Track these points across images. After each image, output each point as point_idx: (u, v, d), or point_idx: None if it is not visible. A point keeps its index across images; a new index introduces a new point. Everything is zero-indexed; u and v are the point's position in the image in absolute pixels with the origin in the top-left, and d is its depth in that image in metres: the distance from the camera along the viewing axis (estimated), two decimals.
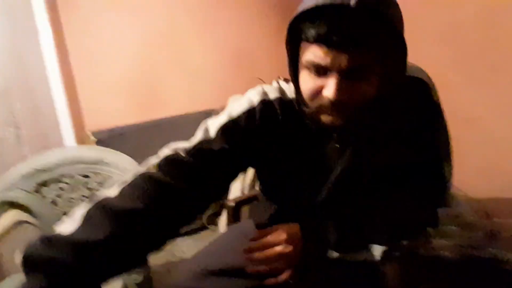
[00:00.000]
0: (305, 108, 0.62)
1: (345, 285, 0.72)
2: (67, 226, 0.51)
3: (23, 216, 1.12)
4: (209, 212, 2.09)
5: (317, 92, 0.58)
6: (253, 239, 0.71)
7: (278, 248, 0.66)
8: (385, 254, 0.73)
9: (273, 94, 0.70)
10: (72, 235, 0.49)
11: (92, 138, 1.76)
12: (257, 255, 0.68)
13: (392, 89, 0.60)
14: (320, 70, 0.56)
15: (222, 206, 2.05)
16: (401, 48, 0.56)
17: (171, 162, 0.61)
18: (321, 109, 0.59)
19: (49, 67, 1.59)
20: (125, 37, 1.89)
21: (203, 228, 2.07)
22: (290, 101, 0.69)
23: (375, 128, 0.65)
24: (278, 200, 0.80)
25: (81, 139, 1.74)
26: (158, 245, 0.60)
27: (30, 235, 1.17)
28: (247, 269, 0.71)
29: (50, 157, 1.19)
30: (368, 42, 0.53)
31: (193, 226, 2.05)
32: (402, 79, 0.60)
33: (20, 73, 1.44)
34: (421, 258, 0.76)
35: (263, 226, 0.74)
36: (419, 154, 0.67)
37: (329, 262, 0.71)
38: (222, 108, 2.49)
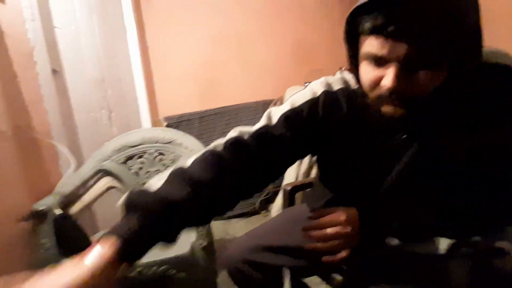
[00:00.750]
0: (366, 99, 0.61)
1: (403, 274, 0.69)
2: (157, 182, 0.61)
3: (114, 182, 1.34)
4: (261, 197, 2.17)
5: (376, 83, 0.56)
6: (312, 218, 0.71)
7: (337, 228, 0.66)
8: (452, 248, 0.66)
9: (336, 85, 0.69)
10: (158, 191, 0.58)
11: (163, 122, 1.99)
12: (316, 233, 0.68)
13: (467, 77, 0.55)
14: (379, 61, 0.54)
15: (275, 193, 2.16)
16: (474, 35, 0.51)
17: (235, 142, 0.65)
18: (380, 99, 0.57)
19: (133, 62, 1.80)
20: (194, 37, 2.07)
21: (255, 213, 2.15)
22: (354, 91, 0.67)
23: (448, 119, 0.61)
24: (337, 188, 0.79)
25: (154, 123, 1.94)
26: (220, 211, 0.65)
27: (118, 198, 1.41)
28: (305, 245, 0.71)
29: (135, 136, 1.38)
30: (429, 31, 0.49)
31: (246, 209, 2.14)
32: (478, 67, 0.55)
33: (112, 66, 1.63)
34: (497, 268, 0.64)
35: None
36: (500, 147, 0.61)
37: (388, 249, 0.69)
38: (280, 99, 2.61)
